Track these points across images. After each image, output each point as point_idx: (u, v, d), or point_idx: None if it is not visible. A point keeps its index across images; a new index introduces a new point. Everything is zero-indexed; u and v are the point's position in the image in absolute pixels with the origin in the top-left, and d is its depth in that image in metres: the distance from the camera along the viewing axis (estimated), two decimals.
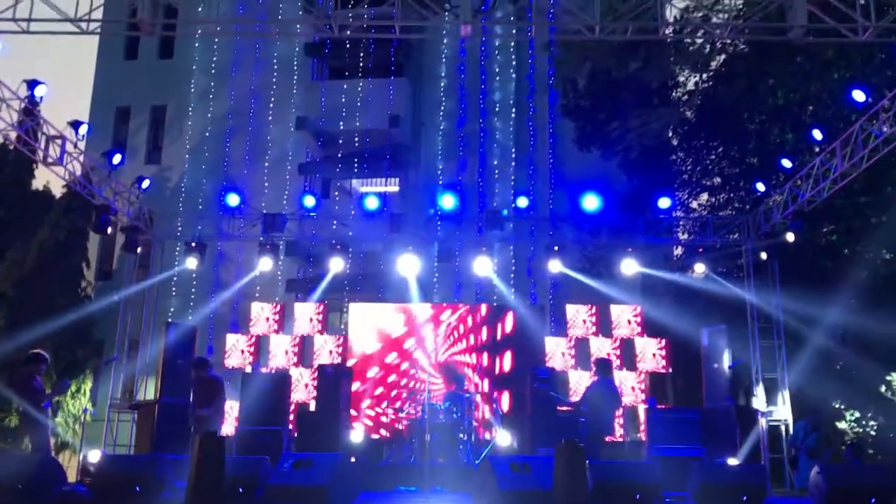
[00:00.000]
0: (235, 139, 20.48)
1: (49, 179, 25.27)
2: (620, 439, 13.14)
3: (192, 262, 14.21)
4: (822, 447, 11.97)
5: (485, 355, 14.14)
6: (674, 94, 18.66)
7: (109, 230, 13.38)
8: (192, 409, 10.31)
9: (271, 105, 20.63)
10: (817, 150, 12.04)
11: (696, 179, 18.49)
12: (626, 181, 17.79)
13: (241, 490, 7.36)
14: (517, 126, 20.06)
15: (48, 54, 53.45)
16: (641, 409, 13.34)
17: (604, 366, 10.63)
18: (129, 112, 21.89)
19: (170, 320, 15.42)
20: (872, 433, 14.13)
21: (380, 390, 14.09)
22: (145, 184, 13.98)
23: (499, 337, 14.21)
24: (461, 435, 11.48)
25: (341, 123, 19.78)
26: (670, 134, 18.52)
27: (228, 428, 13.08)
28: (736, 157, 17.48)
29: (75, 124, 11.86)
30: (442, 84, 20.45)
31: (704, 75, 18.22)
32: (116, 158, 12.96)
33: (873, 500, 7.46)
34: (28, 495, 7.11)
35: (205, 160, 20.53)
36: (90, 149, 14.52)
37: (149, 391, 14.38)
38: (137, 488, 7.41)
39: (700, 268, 13.87)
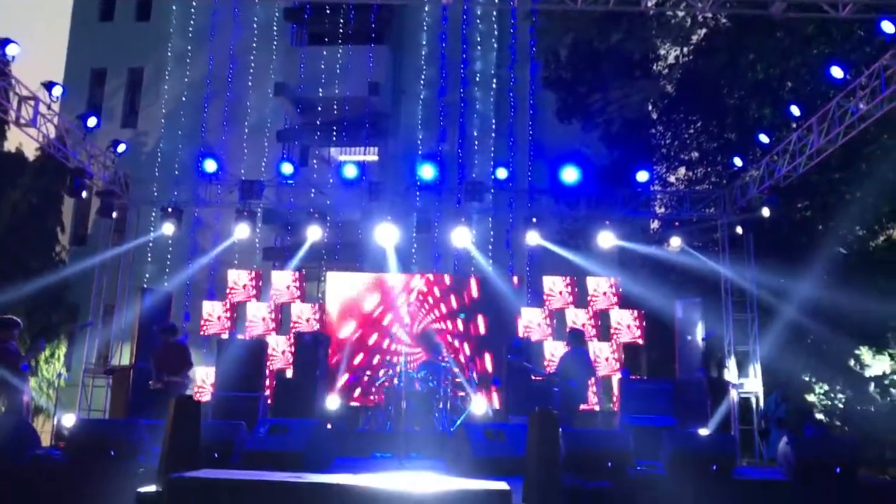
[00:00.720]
0: (213, 104, 20.23)
1: (21, 141, 24.86)
2: (594, 409, 13.31)
3: (168, 228, 14.09)
4: (792, 418, 12.19)
5: (459, 323, 14.21)
6: (655, 67, 18.69)
7: (84, 194, 13.20)
8: (158, 375, 10.30)
9: (251, 70, 20.37)
10: (795, 125, 12.13)
11: (674, 153, 18.60)
12: (605, 154, 17.86)
13: (216, 455, 7.37)
14: (498, 96, 19.99)
15: (21, 15, 52.42)
16: (615, 379, 13.50)
17: (576, 336, 10.72)
18: (104, 74, 21.54)
19: (145, 286, 15.34)
20: (840, 405, 14.42)
21: (357, 358, 14.13)
22: (121, 148, 13.79)
23: (467, 304, 14.28)
24: (437, 403, 11.58)
25: (320, 90, 19.59)
26: (650, 107, 18.58)
27: (205, 394, 13.10)
28: (714, 132, 17.60)
29: (49, 85, 11.63)
30: (423, 52, 20.29)
31: (685, 49, 18.26)
32: (91, 121, 12.77)
33: (838, 470, 7.62)
34: (2, 458, 7.08)
35: (182, 125, 20.28)
36: (65, 111, 14.29)
37: (124, 356, 14.31)
38: (112, 452, 7.41)
39: (676, 241, 13.98)
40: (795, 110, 11.70)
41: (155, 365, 10.53)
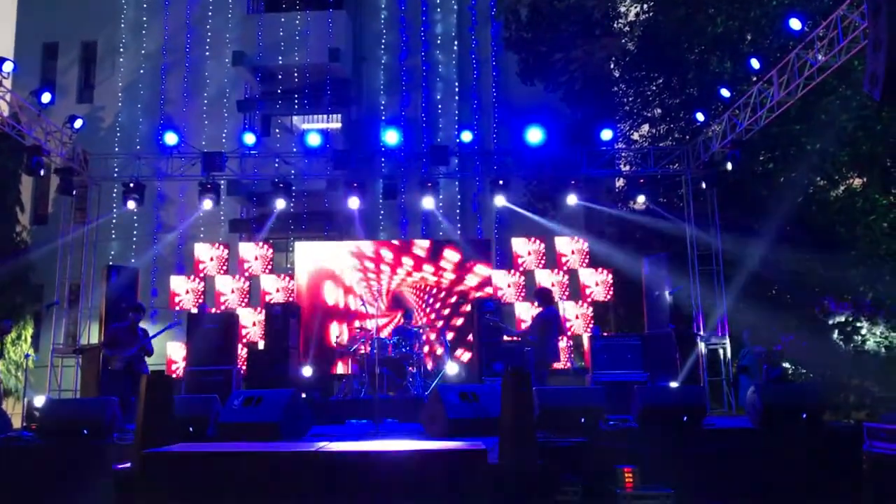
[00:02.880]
0: (171, 76, 19.83)
1: None
2: (566, 367, 13.48)
3: (130, 204, 13.91)
4: (784, 378, 12.44)
5: (433, 290, 14.27)
6: (615, 24, 18.64)
7: (42, 172, 12.96)
8: (113, 351, 10.03)
9: (207, 40, 19.96)
10: (755, 79, 12.20)
11: (637, 111, 18.66)
12: (569, 114, 17.84)
13: (191, 429, 7.38)
14: (460, 59, 19.83)
15: None
16: (586, 337, 13.68)
17: (544, 296, 10.74)
18: (56, 48, 20.96)
19: (111, 263, 15.15)
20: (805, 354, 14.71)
21: (329, 327, 14.14)
22: (78, 123, 13.51)
23: (446, 270, 14.34)
24: (410, 368, 11.64)
25: (280, 58, 19.29)
26: (612, 65, 18.56)
27: (178, 370, 13.04)
28: (676, 88, 17.65)
29: None
30: (382, 16, 20.02)
31: (645, 5, 18.23)
32: (46, 97, 12.48)
33: (804, 416, 7.83)
34: None
35: (140, 98, 19.88)
36: (17, 88, 13.93)
37: (92, 335, 14.18)
38: (85, 431, 7.37)
39: (641, 199, 14.10)
40: (755, 63, 11.78)
41: (112, 342, 10.18)
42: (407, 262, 14.43)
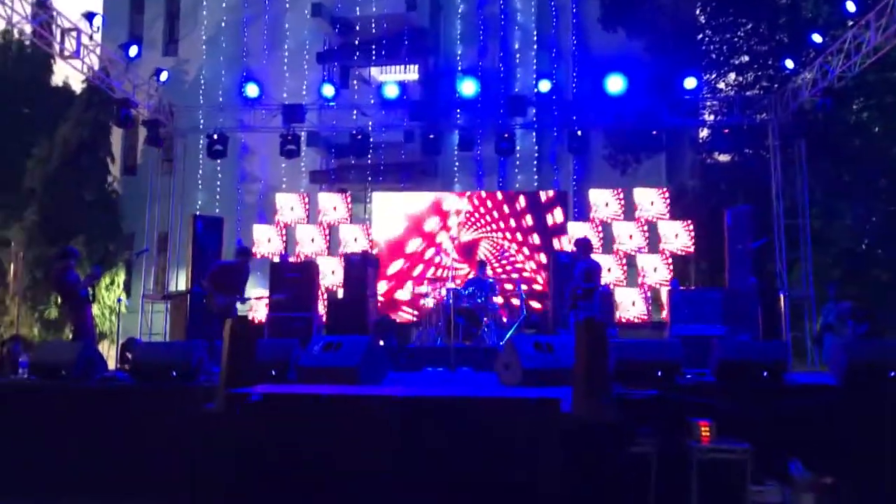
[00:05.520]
0: (252, 29, 20.11)
1: (68, 75, 25.07)
2: (644, 320, 13.33)
3: (215, 155, 14.28)
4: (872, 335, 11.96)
5: (510, 241, 14.26)
6: None
7: (131, 124, 13.39)
8: (230, 299, 9.68)
9: None
10: (850, 23, 11.61)
11: (723, 58, 17.98)
12: (651, 63, 17.33)
13: (273, 373, 7.61)
14: (539, 7, 19.43)
15: None
16: (664, 290, 13.46)
17: (586, 246, 10.33)
18: (143, 3, 21.49)
19: (197, 213, 15.63)
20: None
21: (405, 276, 14.33)
22: (163, 76, 13.87)
23: (523, 221, 14.30)
24: (485, 318, 11.70)
25: (358, 9, 19.30)
26: (698, 11, 17.91)
27: (261, 314, 13.45)
28: (765, 34, 16.94)
29: (89, 16, 11.72)
30: None
31: None
32: (133, 50, 12.84)
33: (892, 374, 7.56)
34: (71, 381, 7.43)
35: (222, 51, 20.24)
36: (106, 42, 14.35)
37: (180, 282, 14.73)
38: (174, 373, 7.69)
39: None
40: (851, 6, 11.19)
41: (217, 280, 9.71)
42: (484, 213, 14.43)
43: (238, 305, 10.07)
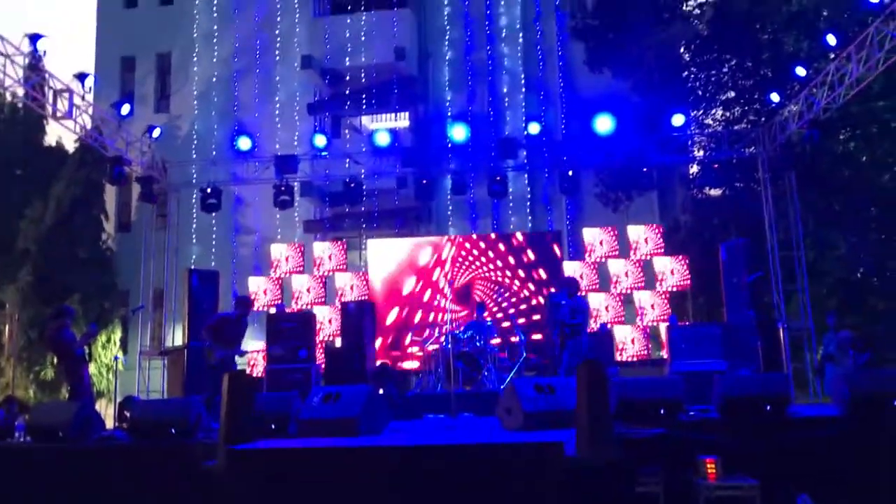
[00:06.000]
0: (243, 82, 20.33)
1: (60, 135, 25.21)
2: (643, 357, 13.27)
3: (209, 208, 14.32)
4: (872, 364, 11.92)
5: (505, 282, 14.24)
6: (685, 7, 18.27)
7: (124, 181, 13.45)
8: (229, 352, 9.70)
9: (277, 45, 20.39)
10: (832, 56, 11.79)
11: (709, 94, 18.24)
12: (638, 102, 17.54)
13: (273, 426, 7.54)
14: (525, 51, 19.72)
15: (47, 5, 52.89)
16: (663, 326, 13.43)
17: (576, 285, 10.42)
18: (133, 61, 21.75)
19: (192, 267, 15.61)
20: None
21: (404, 322, 14.27)
22: (156, 132, 13.99)
23: (517, 262, 14.29)
24: (485, 361, 11.64)
25: (347, 59, 19.55)
26: (683, 49, 18.20)
27: (258, 369, 13.36)
28: (749, 69, 17.20)
29: (81, 76, 11.81)
30: (446, 12, 20.07)
31: None
32: (125, 109, 12.96)
33: (895, 404, 7.51)
34: (69, 442, 7.34)
35: (214, 105, 20.44)
36: (98, 101, 14.50)
37: (176, 337, 14.65)
38: (173, 430, 7.61)
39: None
40: (832, 39, 11.37)
41: (218, 332, 9.67)
42: (478, 255, 14.42)
43: (237, 359, 10.04)
